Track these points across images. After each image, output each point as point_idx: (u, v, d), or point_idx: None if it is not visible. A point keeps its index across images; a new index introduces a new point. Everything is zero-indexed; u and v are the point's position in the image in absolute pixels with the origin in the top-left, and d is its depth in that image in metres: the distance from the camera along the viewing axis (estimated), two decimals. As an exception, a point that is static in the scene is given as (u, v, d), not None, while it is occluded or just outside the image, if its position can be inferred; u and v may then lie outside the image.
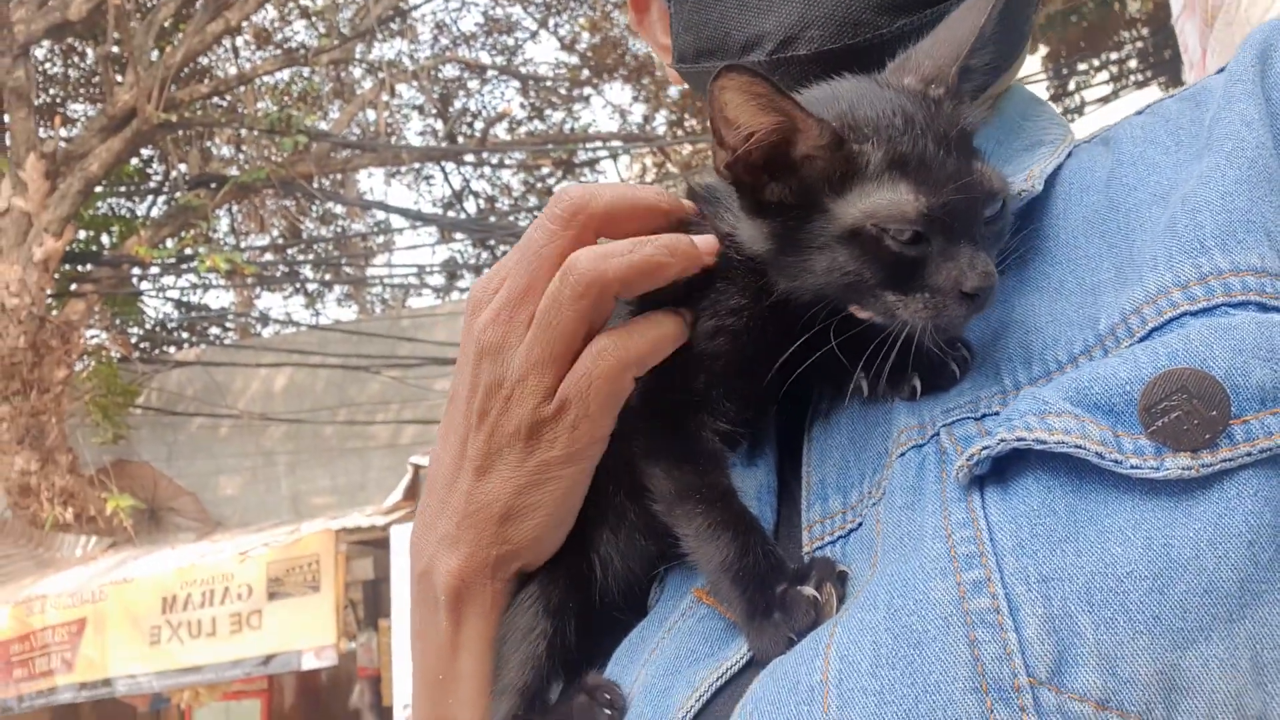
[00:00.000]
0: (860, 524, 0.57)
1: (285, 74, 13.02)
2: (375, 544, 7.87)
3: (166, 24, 9.70)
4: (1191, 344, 0.47)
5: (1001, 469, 0.49)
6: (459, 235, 14.77)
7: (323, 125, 12.67)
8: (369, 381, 11.00)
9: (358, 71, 14.42)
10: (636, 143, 14.76)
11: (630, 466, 0.62)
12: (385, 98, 13.54)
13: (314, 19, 13.36)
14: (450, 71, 15.66)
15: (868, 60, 0.65)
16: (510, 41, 15.76)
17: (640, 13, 0.82)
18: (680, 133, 14.55)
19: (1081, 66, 9.91)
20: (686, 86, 0.76)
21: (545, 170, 15.88)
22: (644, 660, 0.59)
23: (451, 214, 14.62)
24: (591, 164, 15.81)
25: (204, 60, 11.51)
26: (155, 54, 9.55)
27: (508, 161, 15.69)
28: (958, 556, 0.47)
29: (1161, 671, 0.42)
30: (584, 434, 0.60)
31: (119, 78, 9.44)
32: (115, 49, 9.25)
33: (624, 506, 0.64)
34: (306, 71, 13.05)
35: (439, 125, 15.56)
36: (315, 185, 10.93)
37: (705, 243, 0.60)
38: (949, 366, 0.57)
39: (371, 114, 13.90)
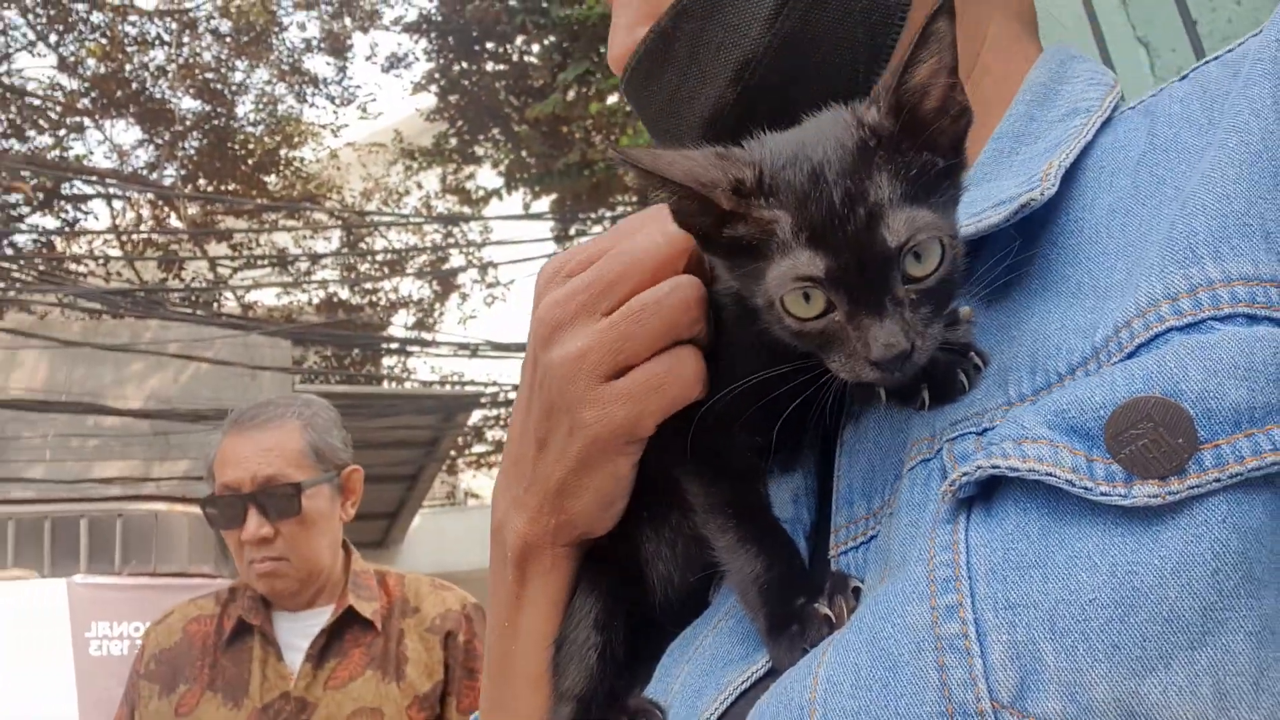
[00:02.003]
0: (877, 533, 0.57)
1: None
2: None
3: None
4: (1166, 366, 0.46)
5: (989, 491, 0.49)
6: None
7: None
8: None
9: None
10: (136, 185, 13.53)
11: (672, 479, 0.64)
12: None
13: None
14: (-92, 60, 13.21)
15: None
16: (-5, 45, 13.76)
17: None
18: (192, 188, 13.65)
19: (584, 215, 11.26)
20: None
21: (16, 197, 13.88)
22: (688, 658, 0.61)
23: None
24: (79, 199, 14.15)
25: None
26: None
27: (-31, 176, 13.47)
28: (935, 580, 0.47)
29: (1120, 699, 0.42)
30: (628, 428, 0.61)
31: None
32: None
33: (676, 519, 0.66)
34: None
35: (-119, 117, 12.96)
36: None
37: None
38: (958, 377, 0.56)
39: None
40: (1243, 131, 0.52)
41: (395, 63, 13.64)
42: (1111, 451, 0.46)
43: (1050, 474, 0.47)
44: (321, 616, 2.23)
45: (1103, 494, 0.46)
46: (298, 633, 2.22)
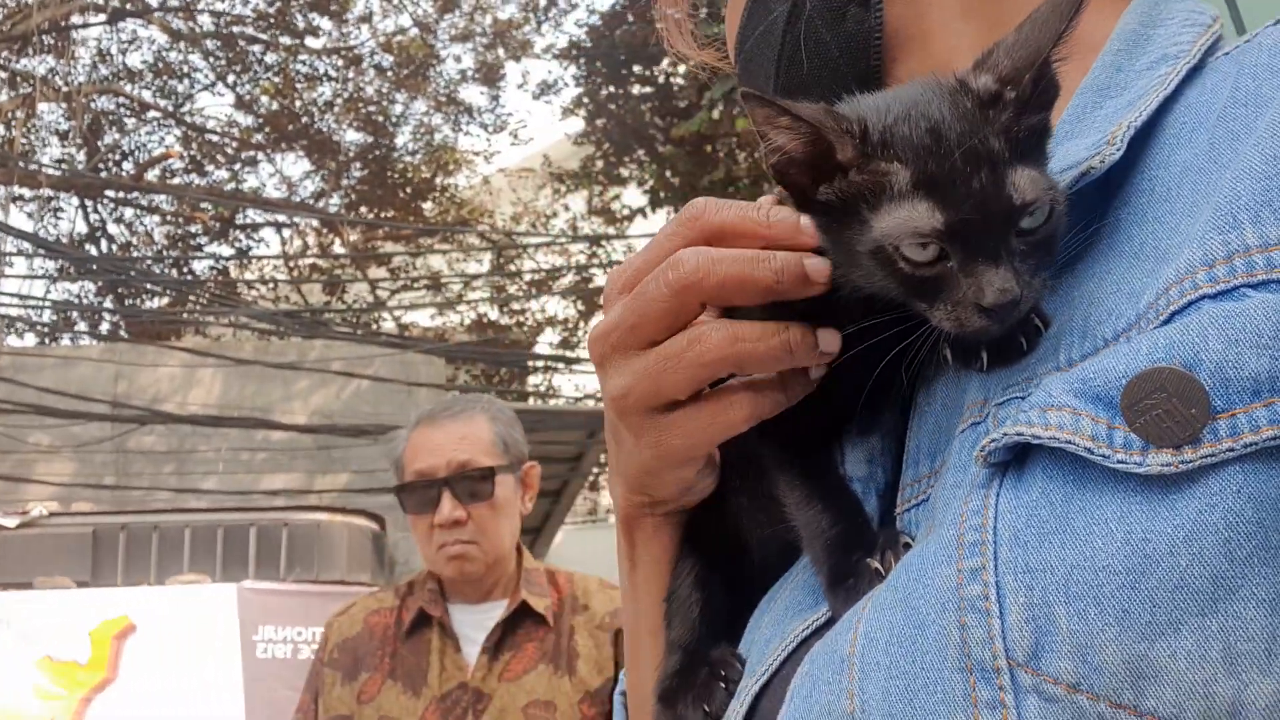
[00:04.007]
0: (930, 494, 0.59)
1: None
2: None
3: None
4: (1189, 335, 0.47)
5: (1022, 458, 0.50)
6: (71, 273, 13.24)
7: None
8: (-57, 424, 9.43)
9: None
10: (304, 214, 14.27)
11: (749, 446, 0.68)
12: (20, 114, 12.10)
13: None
14: (105, 103, 14.36)
15: None
16: (180, 87, 14.81)
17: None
18: (355, 214, 14.30)
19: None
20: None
21: (196, 227, 14.85)
22: (770, 610, 0.66)
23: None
24: (252, 228, 15.03)
25: None
26: None
27: (155, 207, 14.50)
28: (964, 544, 0.49)
29: (1129, 660, 0.44)
30: (684, 453, 0.65)
31: None
32: None
33: (765, 485, 0.68)
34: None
35: (81, 156, 14.11)
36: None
37: (815, 268, 0.60)
38: (1018, 339, 0.56)
39: (2, 129, 12.32)
40: None
41: (545, 89, 13.97)
42: (1128, 420, 0.47)
43: (1070, 441, 0.48)
44: (496, 610, 2.29)
45: (1119, 462, 0.46)
46: (474, 625, 2.29)
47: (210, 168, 15.05)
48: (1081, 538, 0.46)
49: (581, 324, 14.61)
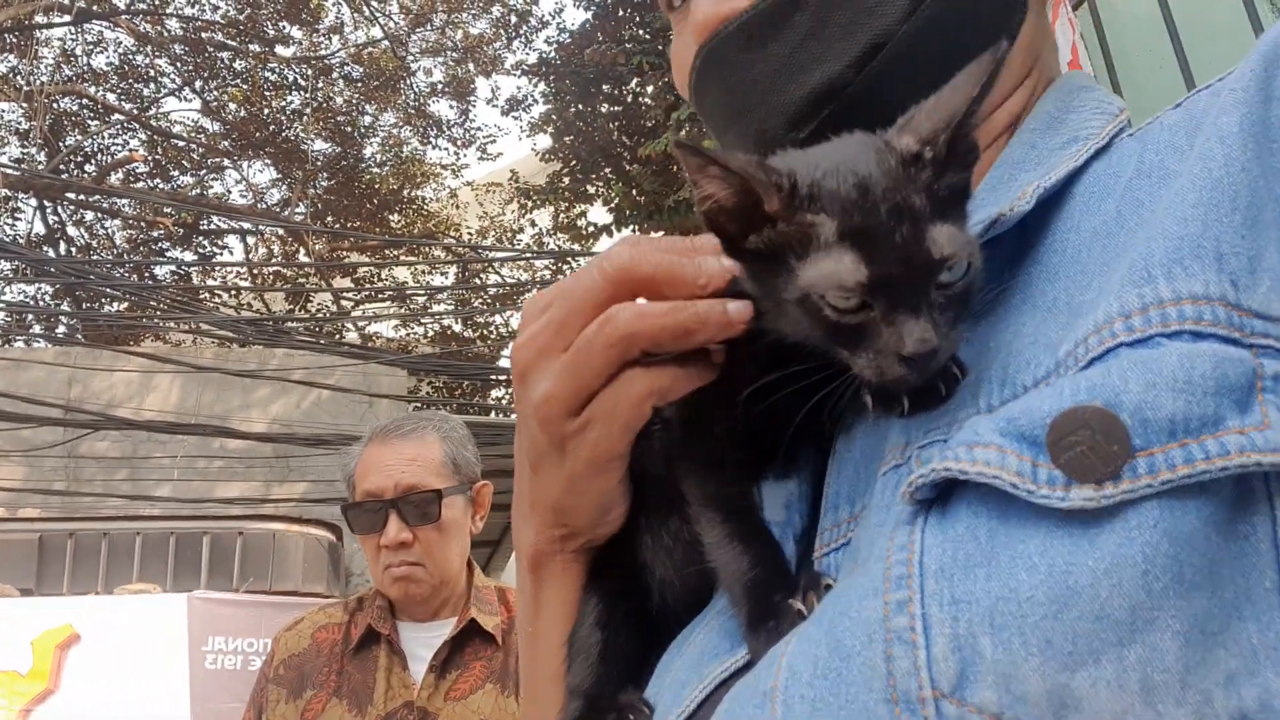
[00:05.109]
0: (851, 538, 0.61)
1: None
2: None
3: None
4: (1110, 378, 0.49)
5: (947, 495, 0.52)
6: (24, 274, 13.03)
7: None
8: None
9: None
10: (269, 221, 14.17)
11: (672, 486, 0.68)
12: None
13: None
14: (69, 104, 14.20)
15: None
16: (146, 91, 14.69)
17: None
18: (321, 224, 14.22)
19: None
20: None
21: (158, 233, 14.69)
22: (682, 653, 0.66)
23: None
24: (216, 234, 14.90)
25: None
26: None
27: (117, 210, 14.33)
28: (891, 578, 0.50)
29: (1051, 690, 0.45)
30: (603, 450, 0.66)
31: None
32: None
33: (675, 525, 0.69)
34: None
35: (41, 156, 13.92)
36: None
37: (738, 310, 0.62)
38: (938, 386, 0.59)
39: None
40: (1208, 159, 0.54)
41: (515, 105, 13.99)
42: (1053, 457, 0.49)
43: (996, 477, 0.49)
44: (445, 628, 2.27)
45: (1043, 497, 0.48)
46: (422, 643, 2.27)
47: (175, 173, 14.92)
48: (1006, 570, 0.47)
49: (545, 339, 14.54)
